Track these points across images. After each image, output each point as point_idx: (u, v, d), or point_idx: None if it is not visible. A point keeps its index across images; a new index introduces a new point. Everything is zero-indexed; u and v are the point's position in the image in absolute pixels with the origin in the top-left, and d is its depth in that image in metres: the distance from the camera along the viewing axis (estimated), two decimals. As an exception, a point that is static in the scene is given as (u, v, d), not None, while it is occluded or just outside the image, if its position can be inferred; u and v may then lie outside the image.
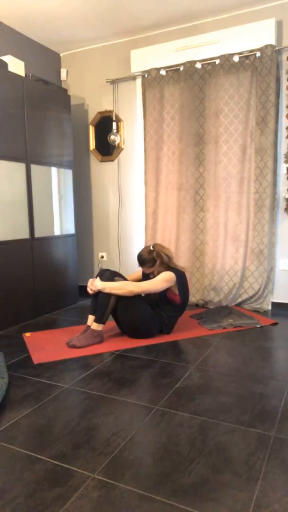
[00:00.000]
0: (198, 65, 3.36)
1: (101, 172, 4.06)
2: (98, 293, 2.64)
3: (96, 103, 3.99)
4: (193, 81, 3.39)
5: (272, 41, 3.09)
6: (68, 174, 3.67)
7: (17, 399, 1.89)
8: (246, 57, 3.22)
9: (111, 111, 3.89)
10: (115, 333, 2.84)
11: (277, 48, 3.12)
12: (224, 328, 2.93)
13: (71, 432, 1.60)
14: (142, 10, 3.24)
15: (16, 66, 3.13)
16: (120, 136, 3.87)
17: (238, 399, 1.86)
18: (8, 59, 3.07)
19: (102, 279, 2.65)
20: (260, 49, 3.14)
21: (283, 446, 1.49)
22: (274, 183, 3.28)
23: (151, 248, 2.75)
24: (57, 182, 3.54)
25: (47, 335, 2.86)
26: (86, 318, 2.92)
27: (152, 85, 3.56)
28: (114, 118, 3.85)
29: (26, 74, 3.27)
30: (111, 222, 4.07)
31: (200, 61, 3.35)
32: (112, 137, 3.83)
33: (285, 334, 2.80)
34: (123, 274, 3.40)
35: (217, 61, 3.28)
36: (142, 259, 2.74)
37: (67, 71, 4.12)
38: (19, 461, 1.43)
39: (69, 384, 2.04)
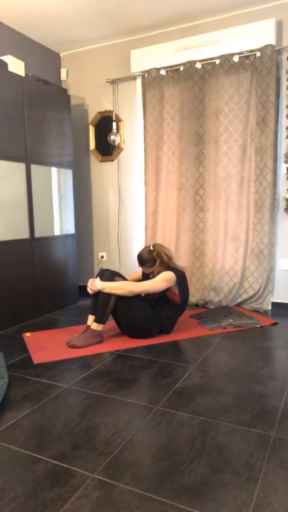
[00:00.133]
0: (198, 65, 3.36)
1: (101, 172, 4.06)
2: (98, 293, 2.64)
3: (96, 103, 3.99)
4: (193, 81, 3.39)
5: (272, 41, 3.09)
6: (68, 174, 3.67)
7: (17, 399, 1.89)
8: (246, 57, 3.22)
9: (111, 111, 3.89)
10: (115, 333, 2.84)
11: (277, 48, 3.12)
12: (224, 328, 2.93)
13: (71, 432, 1.60)
14: (142, 10, 3.24)
15: (16, 66, 3.13)
16: (120, 136, 3.87)
17: (238, 399, 1.86)
18: (8, 59, 3.07)
19: (102, 279, 2.65)
20: (260, 49, 3.14)
21: (283, 446, 1.49)
22: (274, 183, 3.28)
23: (151, 248, 2.75)
24: (57, 182, 3.54)
25: (47, 335, 2.86)
26: (86, 318, 2.92)
27: (152, 85, 3.56)
28: (114, 118, 3.85)
29: (26, 74, 3.27)
30: (111, 222, 4.07)
31: (200, 61, 3.35)
32: (112, 137, 3.83)
33: (285, 334, 2.80)
34: (123, 274, 3.40)
35: (217, 61, 3.28)
36: (142, 259, 2.74)
37: (67, 71, 4.12)
38: (19, 461, 1.43)
39: (69, 384, 2.04)
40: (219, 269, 3.48)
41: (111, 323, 2.93)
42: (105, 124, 3.92)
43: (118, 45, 3.82)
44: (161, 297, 2.72)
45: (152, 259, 2.72)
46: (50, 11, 3.22)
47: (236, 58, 3.22)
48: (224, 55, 3.25)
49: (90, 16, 3.32)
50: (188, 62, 3.38)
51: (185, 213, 3.56)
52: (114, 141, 3.85)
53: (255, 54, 3.18)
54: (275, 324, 3.03)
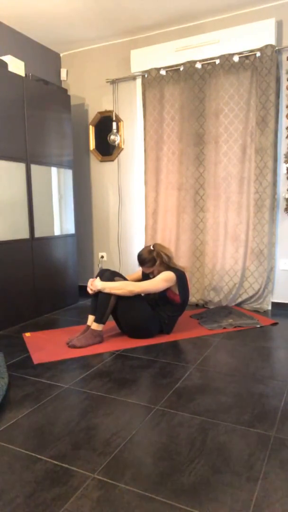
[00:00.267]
0: (198, 65, 3.36)
1: (101, 172, 4.06)
2: (98, 293, 2.64)
3: (96, 103, 3.99)
4: (193, 81, 3.38)
5: (272, 41, 3.09)
6: (68, 174, 3.67)
7: (17, 399, 1.89)
8: (246, 57, 3.22)
9: (111, 111, 3.89)
10: (115, 333, 2.84)
11: (277, 48, 3.12)
12: (224, 328, 2.93)
13: (71, 432, 1.60)
14: (142, 10, 3.24)
15: (16, 66, 3.13)
16: (120, 136, 3.87)
17: (238, 399, 1.86)
18: (8, 59, 3.07)
19: (102, 279, 2.65)
20: (260, 49, 3.14)
21: (283, 446, 1.49)
22: (274, 183, 3.28)
23: (151, 248, 2.75)
24: (57, 182, 3.54)
25: (47, 335, 2.86)
26: (86, 318, 2.92)
27: (152, 85, 3.56)
28: (114, 118, 3.85)
29: (26, 74, 3.27)
30: (111, 222, 4.07)
31: (200, 61, 3.35)
32: (112, 137, 3.83)
33: (285, 334, 2.80)
34: (123, 274, 3.39)
35: (217, 61, 3.28)
36: (142, 259, 2.74)
37: (67, 71, 4.12)
38: (19, 461, 1.43)
39: (69, 384, 2.04)
40: (219, 269, 3.48)
41: (111, 323, 2.93)
42: (105, 124, 3.92)
43: (118, 45, 3.82)
44: (161, 297, 2.72)
45: (152, 259, 2.72)
46: (50, 11, 3.22)
47: (236, 58, 3.22)
48: (224, 55, 3.25)
49: (90, 16, 3.32)
50: (188, 62, 3.38)
51: (185, 213, 3.56)
52: (114, 141, 3.85)
53: (255, 54, 3.18)
54: (275, 324, 3.03)
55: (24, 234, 3.20)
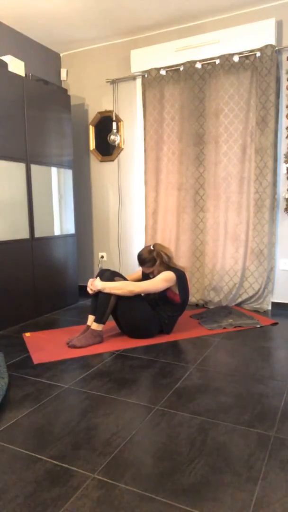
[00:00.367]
0: (198, 65, 3.36)
1: (101, 172, 4.06)
2: (98, 293, 2.64)
3: (96, 103, 3.99)
4: (193, 81, 3.39)
5: (272, 41, 3.09)
6: (68, 174, 3.67)
7: (17, 399, 1.89)
8: (246, 57, 3.22)
9: (111, 111, 3.89)
10: (115, 333, 2.84)
11: (277, 48, 3.12)
12: (224, 328, 2.93)
13: (71, 432, 1.60)
14: (142, 10, 3.24)
15: (16, 66, 3.13)
16: (120, 136, 3.87)
17: (238, 399, 1.86)
18: (8, 59, 3.07)
19: (102, 279, 2.65)
20: (260, 49, 3.14)
21: (283, 446, 1.49)
22: (274, 183, 3.28)
23: (151, 247, 2.75)
24: (57, 182, 3.54)
25: (47, 335, 2.86)
26: (86, 318, 2.92)
27: (152, 85, 3.56)
28: (114, 118, 3.85)
29: (26, 74, 3.27)
30: (111, 222, 4.07)
31: (200, 61, 3.35)
32: (112, 137, 3.83)
33: (285, 334, 2.80)
34: (123, 274, 3.40)
35: (217, 61, 3.28)
36: (142, 259, 2.74)
37: (67, 71, 4.12)
38: (19, 461, 1.43)
39: (69, 384, 2.04)
40: (219, 269, 3.48)
41: (111, 323, 2.93)
42: (105, 124, 3.92)
43: (118, 45, 3.82)
44: (161, 297, 2.72)
45: (152, 259, 2.72)
46: (50, 11, 3.22)
47: (236, 58, 3.22)
48: (224, 55, 3.25)
49: (90, 16, 3.32)
50: (188, 62, 3.38)
51: (185, 213, 3.56)
52: (114, 141, 3.85)
53: (255, 54, 3.18)
54: (275, 324, 3.03)
55: (24, 234, 3.20)
